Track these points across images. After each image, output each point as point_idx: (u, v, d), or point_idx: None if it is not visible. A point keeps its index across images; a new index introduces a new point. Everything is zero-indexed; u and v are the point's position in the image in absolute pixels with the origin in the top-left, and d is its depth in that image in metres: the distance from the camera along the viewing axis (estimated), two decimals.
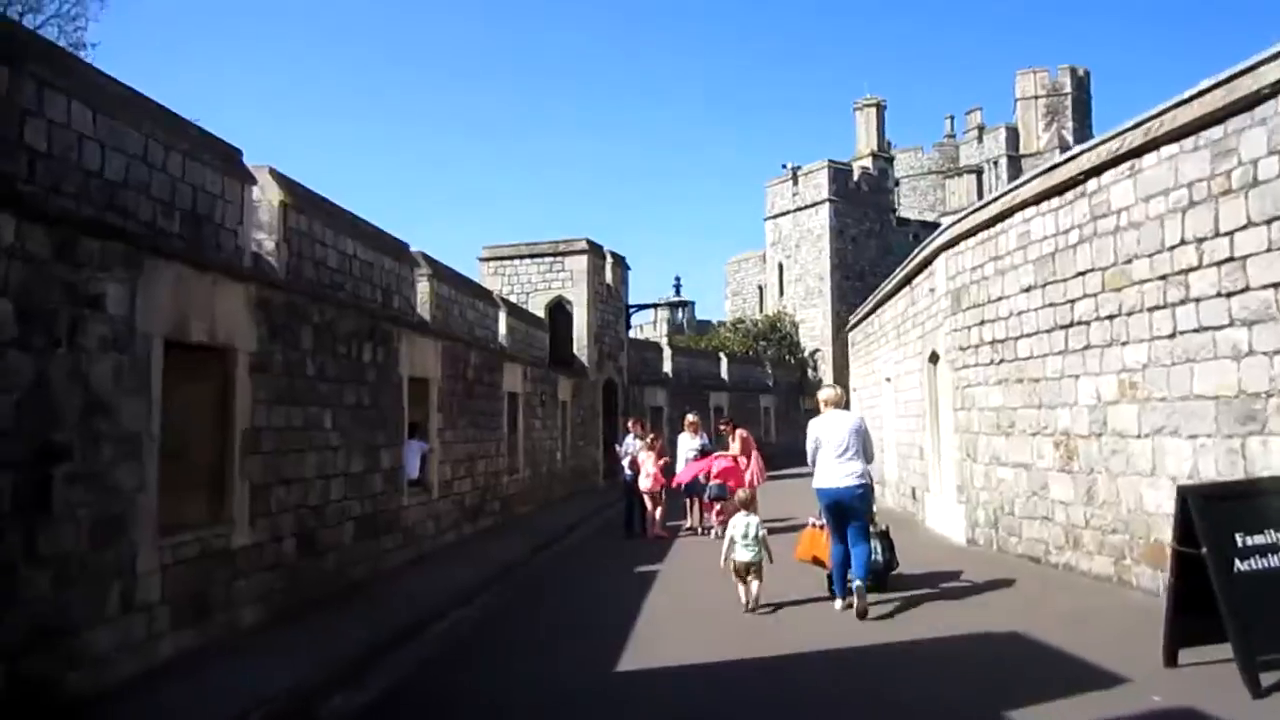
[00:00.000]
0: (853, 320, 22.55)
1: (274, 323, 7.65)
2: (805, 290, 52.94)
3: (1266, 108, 6.02)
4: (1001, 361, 9.84)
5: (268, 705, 5.29)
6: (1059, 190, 8.59)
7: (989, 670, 5.81)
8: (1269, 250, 6.00)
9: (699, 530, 13.29)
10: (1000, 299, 9.87)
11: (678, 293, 38.35)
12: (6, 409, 4.73)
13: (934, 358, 12.47)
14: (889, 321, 16.36)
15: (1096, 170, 7.92)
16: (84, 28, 23.46)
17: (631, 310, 26.50)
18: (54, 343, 5.08)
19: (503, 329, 15.94)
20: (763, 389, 37.64)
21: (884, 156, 57.27)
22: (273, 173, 7.97)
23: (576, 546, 13.10)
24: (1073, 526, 8.50)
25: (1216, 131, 6.47)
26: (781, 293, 54.37)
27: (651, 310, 47.92)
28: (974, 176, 60.59)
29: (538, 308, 21.50)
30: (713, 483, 12.50)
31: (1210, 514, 5.01)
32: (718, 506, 12.43)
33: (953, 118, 70.54)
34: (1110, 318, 7.76)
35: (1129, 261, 7.48)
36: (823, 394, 8.15)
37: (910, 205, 64.07)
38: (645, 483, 13.11)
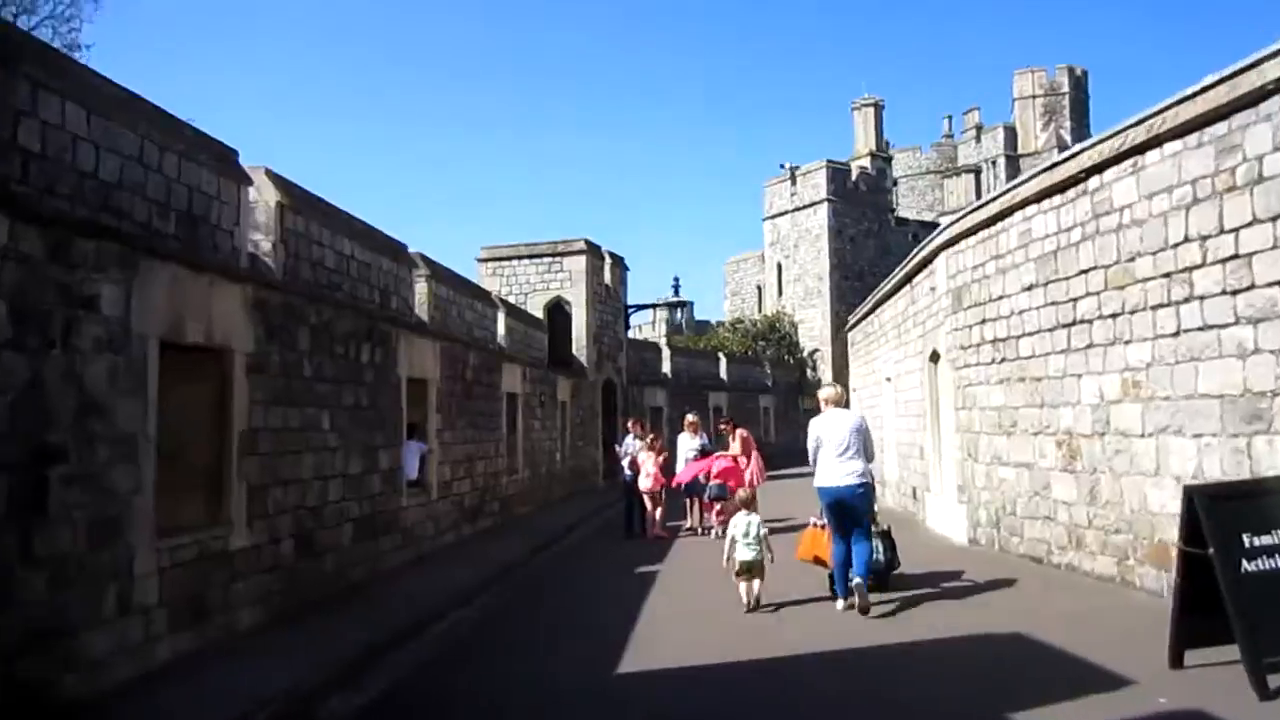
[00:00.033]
0: (852, 320, 22.51)
1: (271, 323, 7.61)
2: (804, 290, 52.96)
3: (1272, 103, 5.97)
4: (1003, 360, 9.80)
5: (265, 707, 5.26)
6: (1061, 188, 8.54)
7: (991, 671, 5.77)
8: (1275, 247, 5.95)
9: (699, 530, 13.27)
10: (1001, 297, 9.82)
11: (676, 293, 38.20)
12: (1, 410, 4.70)
13: (934, 357, 12.43)
14: (889, 321, 16.32)
15: (1098, 167, 7.88)
16: (78, 29, 23.31)
17: (630, 310, 26.47)
18: (48, 344, 5.05)
19: (501, 329, 15.91)
20: (762, 389, 37.63)
21: (882, 156, 57.33)
22: (269, 173, 7.94)
23: (576, 547, 13.07)
24: (1075, 526, 8.46)
25: (1221, 127, 6.43)
26: (780, 293, 54.42)
27: (650, 310, 47.80)
28: (972, 176, 60.64)
29: (536, 308, 21.48)
30: (713, 483, 12.49)
31: (1217, 514, 4.97)
32: (718, 506, 12.40)
33: (951, 117, 70.80)
34: (1113, 316, 7.71)
35: (1132, 259, 7.43)
36: (823, 393, 8.13)
37: (908, 205, 64.13)
38: (645, 483, 13.08)
